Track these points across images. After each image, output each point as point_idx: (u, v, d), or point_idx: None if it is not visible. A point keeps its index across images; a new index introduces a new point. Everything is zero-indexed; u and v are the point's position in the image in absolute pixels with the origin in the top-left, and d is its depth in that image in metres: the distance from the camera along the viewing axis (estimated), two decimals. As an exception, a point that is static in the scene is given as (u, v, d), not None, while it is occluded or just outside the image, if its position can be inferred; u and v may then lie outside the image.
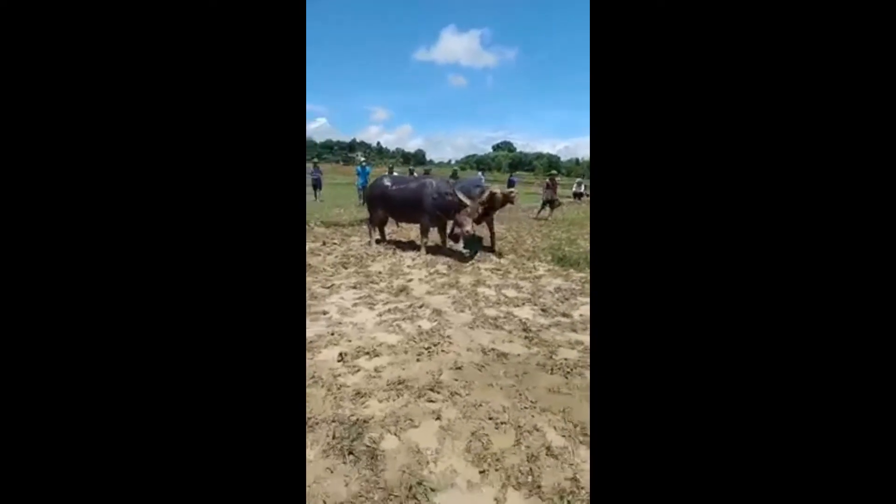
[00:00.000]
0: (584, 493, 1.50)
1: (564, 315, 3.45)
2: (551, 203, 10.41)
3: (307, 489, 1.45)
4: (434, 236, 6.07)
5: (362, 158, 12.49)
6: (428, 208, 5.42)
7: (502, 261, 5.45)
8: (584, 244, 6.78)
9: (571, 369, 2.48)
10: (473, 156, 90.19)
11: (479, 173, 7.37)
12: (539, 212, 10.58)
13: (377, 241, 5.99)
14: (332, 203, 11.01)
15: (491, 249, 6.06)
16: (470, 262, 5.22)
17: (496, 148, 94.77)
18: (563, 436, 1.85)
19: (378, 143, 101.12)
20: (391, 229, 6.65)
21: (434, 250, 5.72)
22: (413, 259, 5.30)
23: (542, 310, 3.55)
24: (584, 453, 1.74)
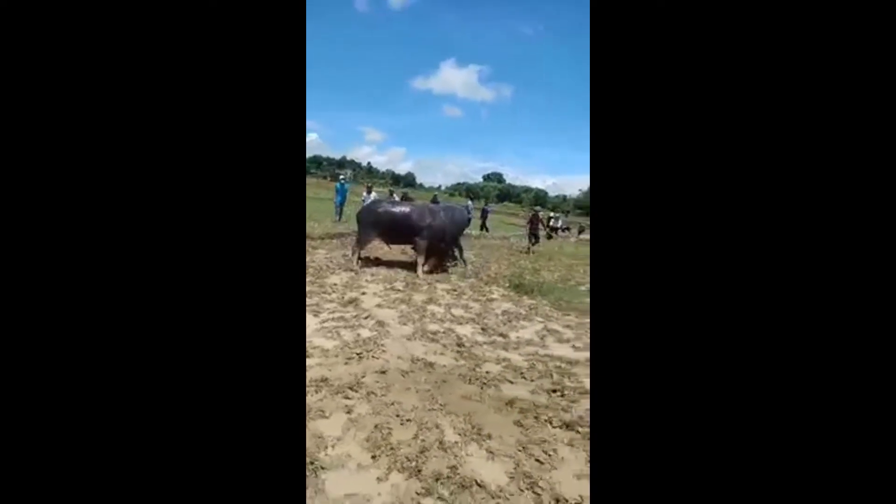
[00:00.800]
0: (458, 479, 1.70)
1: (502, 335, 3.67)
2: (535, 237, 10.68)
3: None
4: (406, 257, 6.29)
5: (342, 176, 12.54)
6: (424, 233, 5.77)
7: (461, 283, 5.68)
8: (547, 275, 7.08)
9: (489, 382, 2.69)
10: (463, 183, 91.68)
11: (469, 201, 7.65)
12: (530, 247, 10.69)
13: (358, 260, 5.89)
14: (307, 217, 11.18)
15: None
16: (427, 282, 5.44)
17: (486, 178, 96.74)
18: (459, 434, 2.04)
19: (368, 163, 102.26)
20: (384, 250, 6.75)
21: (404, 266, 5.93)
22: (373, 275, 5.49)
23: (483, 329, 3.78)
24: (473, 448, 1.94)
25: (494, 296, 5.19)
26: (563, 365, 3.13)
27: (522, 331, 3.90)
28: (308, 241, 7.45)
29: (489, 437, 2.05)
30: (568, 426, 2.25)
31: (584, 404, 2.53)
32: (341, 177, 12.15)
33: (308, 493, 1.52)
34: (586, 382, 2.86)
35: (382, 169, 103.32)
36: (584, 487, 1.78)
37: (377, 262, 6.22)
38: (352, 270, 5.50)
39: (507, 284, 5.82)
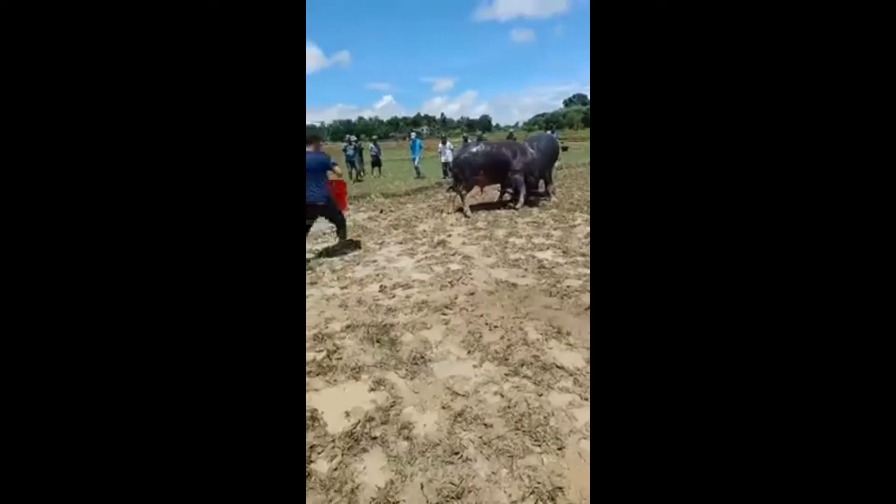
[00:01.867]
0: (540, 364, 2.04)
1: (583, 255, 3.81)
2: None
3: (344, 359, 2.17)
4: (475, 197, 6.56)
5: (413, 133, 12.97)
6: (517, 169, 6.16)
7: (542, 214, 5.79)
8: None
9: (569, 294, 2.93)
10: (543, 115, 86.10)
11: (549, 132, 7.40)
12: None
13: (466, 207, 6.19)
14: (393, 177, 11.92)
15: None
16: (508, 218, 5.66)
17: (567, 103, 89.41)
18: (541, 333, 2.36)
19: (442, 115, 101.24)
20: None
21: (489, 206, 6.23)
22: (457, 218, 5.88)
23: (563, 251, 3.95)
24: (553, 343, 2.25)
25: (577, 222, 5.23)
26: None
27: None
28: (397, 198, 8.10)
29: (568, 334, 2.34)
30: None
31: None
32: (413, 133, 12.59)
33: (420, 377, 2.00)
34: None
35: (456, 118, 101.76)
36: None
37: (460, 209, 6.57)
38: (429, 215, 5.97)
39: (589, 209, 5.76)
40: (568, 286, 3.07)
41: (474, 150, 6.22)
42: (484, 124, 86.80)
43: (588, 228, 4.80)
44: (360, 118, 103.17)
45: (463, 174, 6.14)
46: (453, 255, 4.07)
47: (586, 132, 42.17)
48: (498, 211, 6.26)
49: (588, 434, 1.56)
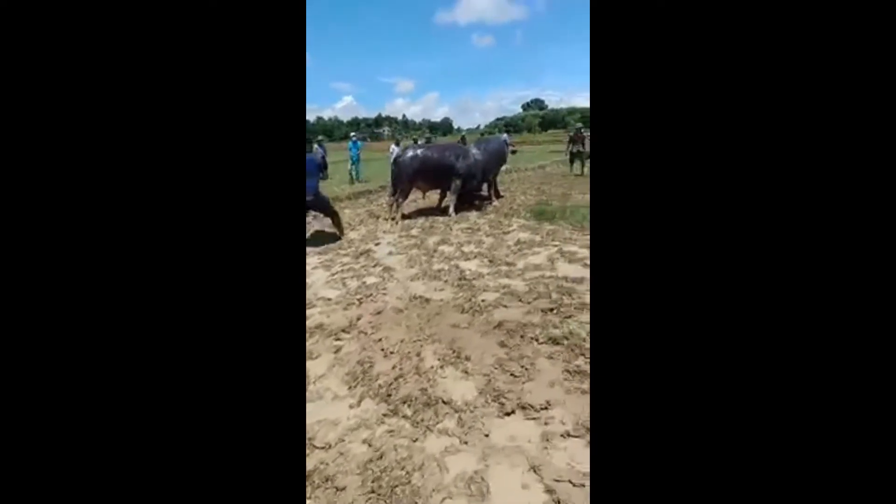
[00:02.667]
0: (426, 399, 1.80)
1: (508, 264, 3.64)
2: (579, 156, 10.08)
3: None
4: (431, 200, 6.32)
5: (353, 135, 12.32)
6: (458, 173, 5.95)
7: (480, 220, 5.63)
8: (580, 197, 6.77)
9: (483, 309, 2.73)
10: (502, 118, 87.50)
11: (504, 135, 7.39)
12: (571, 168, 10.36)
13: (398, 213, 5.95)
14: (340, 179, 11.40)
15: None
16: (444, 224, 5.45)
17: (525, 107, 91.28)
18: (439, 359, 2.13)
19: (403, 116, 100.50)
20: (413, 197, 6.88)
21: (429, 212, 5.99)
22: (392, 225, 5.60)
23: (490, 260, 3.77)
24: (449, 370, 2.03)
25: (512, 227, 5.10)
26: (566, 284, 3.07)
27: (533, 257, 3.84)
28: (336, 202, 7.70)
29: (467, 359, 2.12)
30: (554, 341, 2.25)
31: (579, 317, 2.50)
32: (352, 135, 11.95)
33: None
34: (586, 297, 2.80)
35: (418, 119, 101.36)
36: (554, 393, 1.81)
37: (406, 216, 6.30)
38: (392, 221, 5.73)
39: (529, 214, 5.65)
40: (483, 300, 2.87)
41: (410, 154, 5.97)
42: (445, 126, 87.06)
43: (521, 235, 4.67)
44: (319, 118, 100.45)
45: (399, 179, 5.88)
46: (374, 266, 3.79)
47: (544, 136, 43.19)
48: (437, 217, 6.05)
49: (455, 491, 1.33)
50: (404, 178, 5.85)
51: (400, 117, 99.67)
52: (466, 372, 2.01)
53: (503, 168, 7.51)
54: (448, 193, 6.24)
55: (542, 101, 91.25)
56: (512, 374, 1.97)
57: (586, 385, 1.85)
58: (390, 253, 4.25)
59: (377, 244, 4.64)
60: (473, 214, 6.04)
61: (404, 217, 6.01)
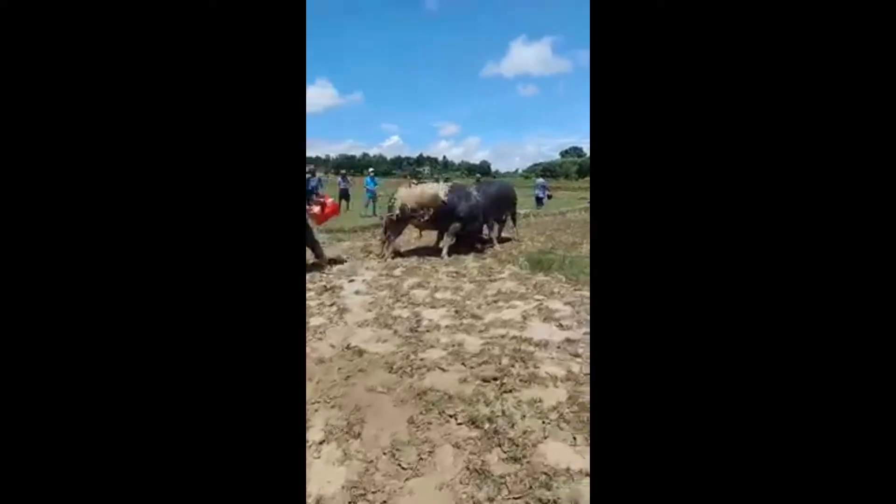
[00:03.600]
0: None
1: (475, 317, 3.27)
2: None
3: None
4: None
5: (371, 170, 12.61)
6: (454, 216, 5.75)
7: (473, 263, 5.30)
8: (587, 248, 6.32)
9: (415, 370, 2.36)
10: (540, 164, 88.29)
11: (540, 179, 7.40)
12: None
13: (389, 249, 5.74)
14: (353, 214, 11.45)
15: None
16: (432, 266, 5.16)
17: (564, 154, 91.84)
18: (325, 433, 1.77)
19: (444, 157, 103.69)
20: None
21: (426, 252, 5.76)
22: (381, 261, 5.38)
23: (457, 311, 3.40)
24: (327, 449, 1.67)
25: (502, 275, 4.72)
26: (527, 347, 2.66)
27: (508, 311, 3.44)
28: (339, 234, 7.63)
29: (358, 436, 1.75)
30: (474, 422, 1.85)
31: (521, 393, 2.08)
32: (370, 170, 12.14)
33: None
34: (546, 368, 2.38)
35: (458, 161, 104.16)
36: (426, 500, 1.40)
37: (404, 253, 6.08)
38: (382, 258, 5.51)
39: (525, 262, 5.26)
40: (422, 359, 2.50)
41: (410, 191, 5.82)
42: (483, 169, 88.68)
43: (507, 284, 4.29)
44: (365, 154, 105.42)
45: (400, 215, 5.70)
46: (331, 305, 3.52)
47: (579, 183, 42.88)
48: (432, 257, 5.77)
49: None
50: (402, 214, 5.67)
51: (440, 158, 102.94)
52: (346, 454, 1.64)
53: (522, 212, 7.24)
54: (445, 235, 5.98)
55: (581, 149, 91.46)
56: (399, 466, 1.58)
57: (483, 494, 1.43)
58: (357, 292, 3.98)
59: (351, 281, 4.39)
60: (469, 258, 5.72)
61: (399, 255, 5.78)
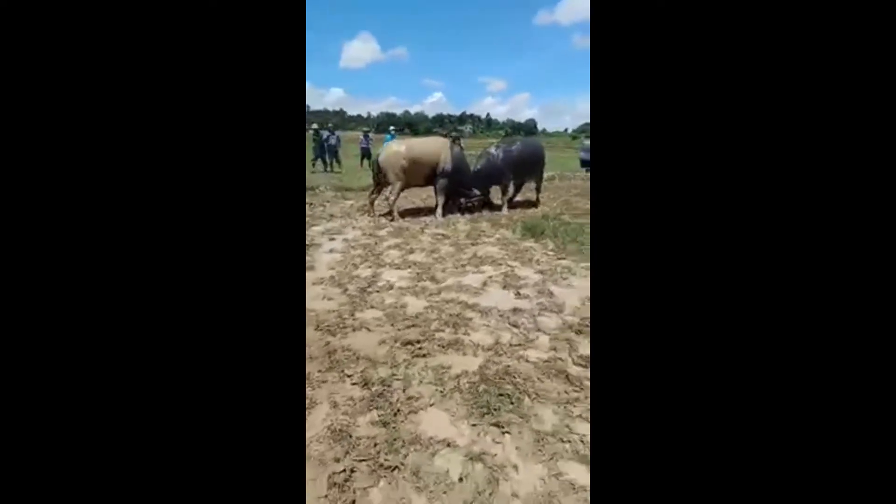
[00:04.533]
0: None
1: (432, 280, 3.21)
2: None
3: None
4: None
5: (392, 128, 12.24)
6: (447, 172, 5.64)
7: (465, 226, 5.17)
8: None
9: (339, 330, 2.36)
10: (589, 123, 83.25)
11: (587, 141, 6.88)
12: None
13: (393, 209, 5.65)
14: (365, 173, 11.35)
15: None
16: (422, 226, 5.09)
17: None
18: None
19: (487, 115, 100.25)
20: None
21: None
22: (372, 220, 5.37)
23: (418, 274, 3.35)
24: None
25: (490, 239, 4.58)
26: (467, 313, 2.58)
27: (474, 276, 3.35)
28: (344, 192, 7.69)
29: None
30: (367, 385, 1.83)
31: (434, 359, 2.03)
32: (391, 128, 11.86)
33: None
34: (475, 336, 2.31)
35: (502, 119, 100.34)
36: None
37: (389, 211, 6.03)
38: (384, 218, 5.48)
39: (520, 227, 5.05)
40: (356, 318, 2.50)
41: (395, 148, 5.65)
42: (529, 128, 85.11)
43: (488, 249, 4.15)
44: (406, 112, 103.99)
45: (382, 173, 5.61)
46: (298, 262, 3.57)
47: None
48: (426, 218, 5.70)
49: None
50: (387, 174, 5.57)
51: (484, 116, 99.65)
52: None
53: (548, 174, 6.81)
54: (438, 194, 5.84)
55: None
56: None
57: (332, 454, 1.43)
58: (331, 251, 4.01)
59: (331, 239, 4.43)
60: (464, 220, 5.58)
61: (396, 214, 5.74)
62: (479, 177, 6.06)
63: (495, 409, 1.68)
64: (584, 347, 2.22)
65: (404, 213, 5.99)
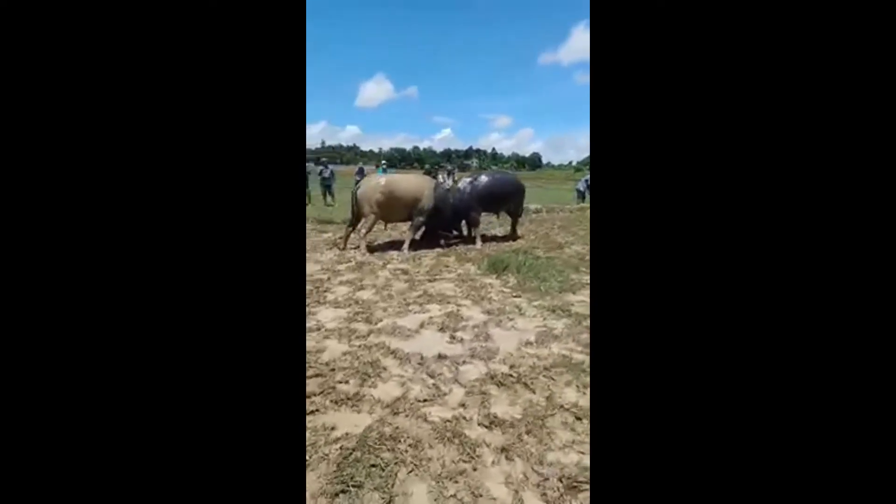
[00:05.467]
0: None
1: (367, 321, 3.03)
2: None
3: None
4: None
5: (384, 162, 12.54)
6: (421, 209, 5.56)
7: (430, 261, 5.00)
8: (573, 249, 5.78)
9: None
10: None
11: (587, 176, 6.94)
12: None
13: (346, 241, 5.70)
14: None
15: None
16: (385, 260, 4.93)
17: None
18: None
19: (493, 150, 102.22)
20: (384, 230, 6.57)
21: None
22: (337, 254, 5.24)
23: (355, 313, 3.16)
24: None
25: (451, 276, 4.39)
26: (387, 361, 2.37)
27: (415, 316, 3.16)
28: (326, 225, 7.62)
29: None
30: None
31: (319, 419, 1.81)
32: (383, 162, 12.11)
33: None
34: (381, 388, 2.09)
35: (507, 153, 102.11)
36: None
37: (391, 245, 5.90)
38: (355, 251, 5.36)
39: (485, 262, 4.86)
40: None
41: (373, 180, 5.61)
42: (533, 161, 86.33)
43: (442, 286, 3.96)
44: (416, 147, 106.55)
45: (356, 204, 5.53)
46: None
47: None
48: (394, 252, 5.55)
49: None
50: (361, 206, 5.48)
51: (490, 150, 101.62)
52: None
53: (533, 207, 6.71)
54: (409, 228, 5.72)
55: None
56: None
57: None
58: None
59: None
60: (433, 254, 5.42)
61: (370, 249, 5.61)
62: (450, 212, 5.95)
63: (357, 486, 1.44)
64: (499, 404, 1.98)
65: (379, 247, 5.86)
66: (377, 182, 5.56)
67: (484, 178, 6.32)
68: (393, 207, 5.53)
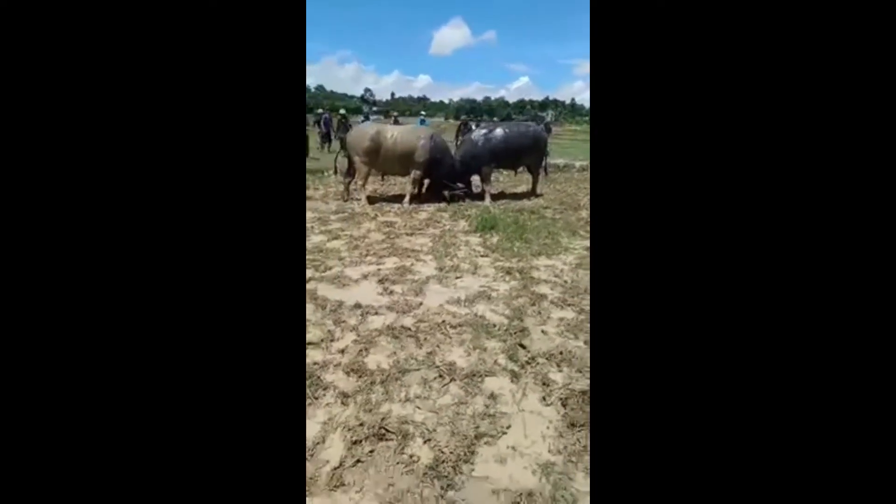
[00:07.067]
0: None
1: (315, 269, 3.16)
2: None
3: None
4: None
5: (422, 113, 12.11)
6: (421, 162, 5.51)
7: (424, 215, 5.01)
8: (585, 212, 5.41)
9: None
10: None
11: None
12: None
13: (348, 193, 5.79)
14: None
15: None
16: (383, 213, 5.03)
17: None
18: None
19: (573, 100, 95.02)
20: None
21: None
22: (339, 206, 5.42)
23: (308, 262, 3.32)
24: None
25: (432, 231, 4.39)
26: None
27: (371, 266, 3.25)
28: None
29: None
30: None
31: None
32: (422, 113, 11.78)
33: None
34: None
35: (587, 104, 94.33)
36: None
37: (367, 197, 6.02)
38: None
39: (476, 221, 4.74)
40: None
41: (370, 130, 5.56)
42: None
43: (422, 240, 3.98)
44: (487, 98, 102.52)
45: (349, 155, 5.59)
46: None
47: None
48: (396, 205, 5.61)
49: None
50: (352, 157, 5.55)
51: (568, 101, 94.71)
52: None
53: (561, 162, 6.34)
54: (410, 181, 5.69)
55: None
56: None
57: None
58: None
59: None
60: (431, 208, 5.39)
61: (373, 200, 5.75)
62: (458, 165, 5.78)
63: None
64: (378, 353, 2.04)
65: (387, 200, 5.95)
66: (365, 131, 5.54)
67: (499, 131, 6.02)
68: (385, 158, 5.48)
